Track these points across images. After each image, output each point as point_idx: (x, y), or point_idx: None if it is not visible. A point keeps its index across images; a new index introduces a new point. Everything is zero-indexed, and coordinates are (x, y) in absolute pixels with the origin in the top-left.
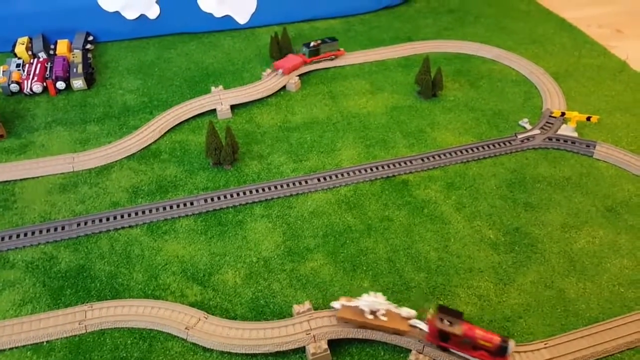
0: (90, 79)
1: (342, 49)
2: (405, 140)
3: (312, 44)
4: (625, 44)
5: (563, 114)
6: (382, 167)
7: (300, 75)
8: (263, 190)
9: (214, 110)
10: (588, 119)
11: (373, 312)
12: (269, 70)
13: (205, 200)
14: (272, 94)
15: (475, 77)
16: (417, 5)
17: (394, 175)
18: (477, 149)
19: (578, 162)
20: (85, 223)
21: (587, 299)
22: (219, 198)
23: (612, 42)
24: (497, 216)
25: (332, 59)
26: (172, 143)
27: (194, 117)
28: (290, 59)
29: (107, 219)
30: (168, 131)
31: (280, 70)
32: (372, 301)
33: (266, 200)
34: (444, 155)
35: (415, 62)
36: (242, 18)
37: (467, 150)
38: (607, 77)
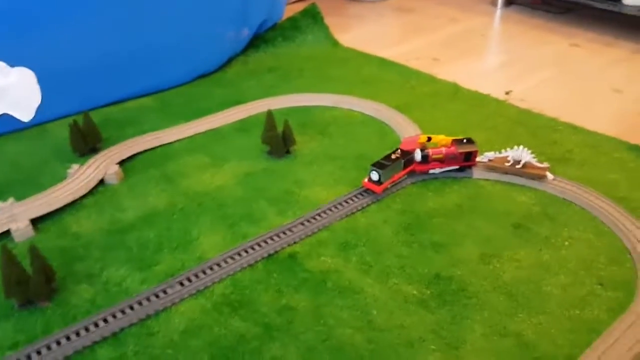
0: None
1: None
2: (273, 207)
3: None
4: (447, 69)
5: (429, 138)
6: (259, 245)
7: (120, 163)
8: (105, 321)
9: (8, 231)
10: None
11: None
12: (76, 166)
13: None
14: (88, 193)
15: (322, 126)
16: (234, 70)
17: (276, 252)
18: (356, 197)
19: (462, 186)
20: None
21: (549, 336)
22: (39, 353)
23: (435, 70)
24: (410, 267)
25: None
26: None
27: None
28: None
29: None
30: None
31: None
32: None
33: (114, 334)
34: (325, 213)
35: (253, 124)
36: (25, 115)
37: (346, 202)
38: (447, 100)
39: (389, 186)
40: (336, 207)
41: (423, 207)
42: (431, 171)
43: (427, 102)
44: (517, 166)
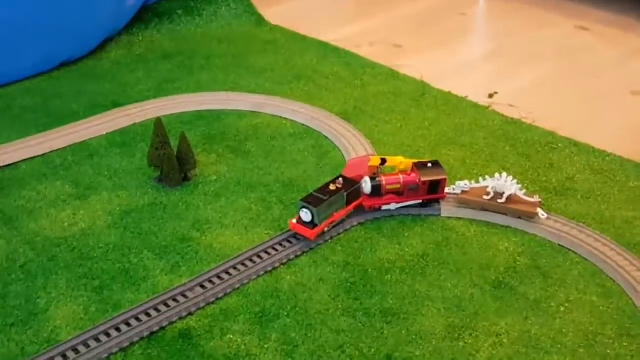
0: None
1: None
2: (162, 261)
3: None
4: (411, 61)
5: (383, 160)
6: (137, 319)
7: None
8: None
9: None
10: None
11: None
12: None
13: None
14: None
15: (237, 140)
16: (113, 55)
17: (162, 328)
18: (281, 244)
19: (427, 227)
20: None
21: None
22: None
23: (395, 61)
24: (351, 346)
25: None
26: None
27: None
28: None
29: None
30: None
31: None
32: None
33: None
34: (235, 268)
35: (138, 135)
36: None
37: (266, 252)
38: (410, 104)
39: (325, 229)
40: (251, 260)
41: (373, 258)
42: (385, 207)
43: (383, 107)
44: (499, 200)
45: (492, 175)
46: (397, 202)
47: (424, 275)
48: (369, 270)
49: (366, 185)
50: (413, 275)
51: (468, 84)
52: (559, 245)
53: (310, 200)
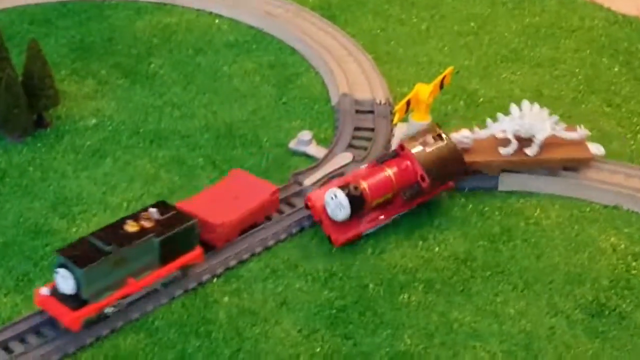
0: None
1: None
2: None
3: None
4: None
5: (408, 104)
6: None
7: None
8: None
9: None
10: (442, 85)
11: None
12: None
13: None
14: None
15: (133, 54)
16: None
17: None
18: None
19: (473, 211)
20: None
21: None
22: None
23: None
24: None
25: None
26: None
27: None
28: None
29: None
30: None
31: None
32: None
33: None
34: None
35: None
36: None
37: None
38: None
39: (110, 310)
40: None
41: (378, 265)
42: (368, 231)
43: None
44: (529, 151)
45: (508, 114)
46: (388, 218)
47: (468, 294)
48: (371, 286)
49: (342, 209)
50: (448, 295)
51: None
52: None
53: (75, 254)
